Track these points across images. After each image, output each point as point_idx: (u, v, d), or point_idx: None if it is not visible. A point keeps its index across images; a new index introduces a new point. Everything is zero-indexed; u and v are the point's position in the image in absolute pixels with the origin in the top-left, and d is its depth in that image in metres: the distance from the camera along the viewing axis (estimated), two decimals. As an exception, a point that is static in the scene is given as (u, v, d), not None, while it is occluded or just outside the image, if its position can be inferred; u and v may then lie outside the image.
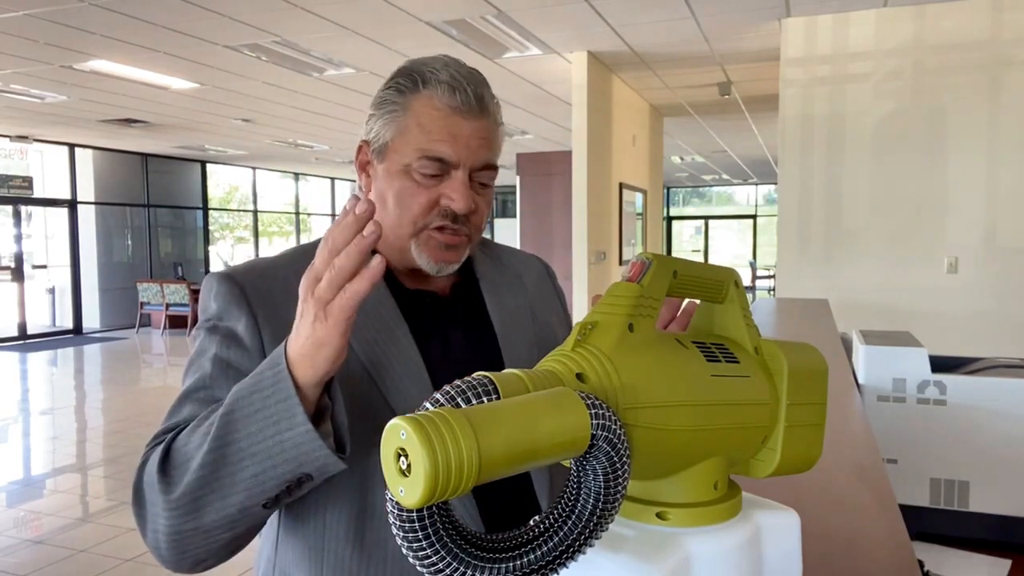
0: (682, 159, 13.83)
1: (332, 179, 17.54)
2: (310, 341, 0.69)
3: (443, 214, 0.90)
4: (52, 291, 12.45)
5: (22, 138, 10.61)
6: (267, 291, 0.89)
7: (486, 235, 1.07)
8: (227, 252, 17.22)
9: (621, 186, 7.30)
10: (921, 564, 0.92)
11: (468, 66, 0.93)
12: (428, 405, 0.42)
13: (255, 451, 0.72)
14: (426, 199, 0.89)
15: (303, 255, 0.94)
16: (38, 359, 9.95)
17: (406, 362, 0.90)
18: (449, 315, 0.99)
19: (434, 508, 0.41)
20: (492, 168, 0.92)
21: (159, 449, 0.78)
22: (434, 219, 0.90)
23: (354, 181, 14.91)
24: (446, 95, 0.88)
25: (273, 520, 0.93)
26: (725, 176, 17.46)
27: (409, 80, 0.90)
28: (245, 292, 0.88)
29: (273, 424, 0.71)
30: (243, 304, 0.88)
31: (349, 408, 0.81)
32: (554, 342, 1.05)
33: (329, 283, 0.67)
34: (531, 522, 0.45)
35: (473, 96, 0.89)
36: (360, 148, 0.95)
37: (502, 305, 1.02)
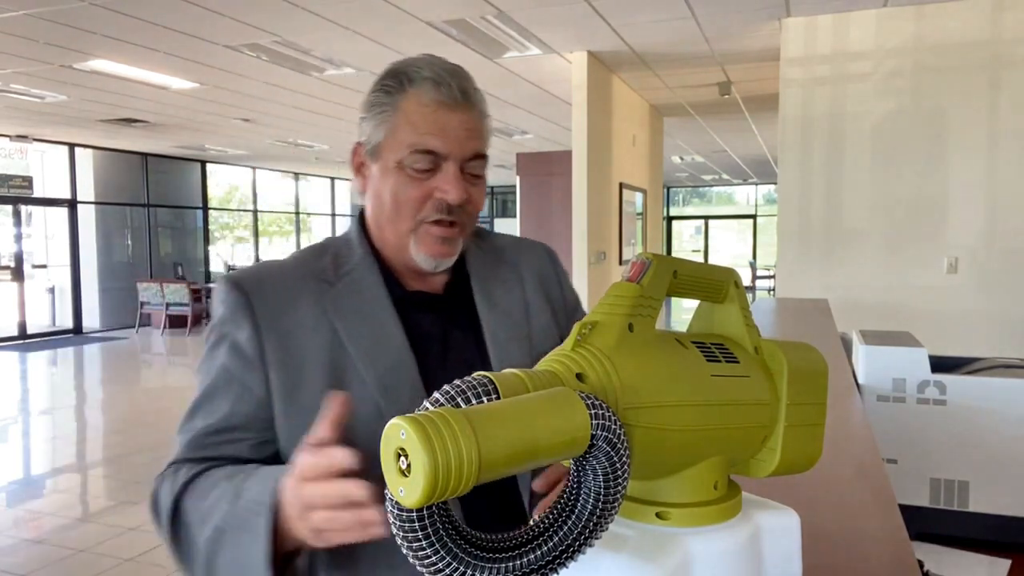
0: (682, 159, 13.83)
1: (332, 179, 17.53)
2: (303, 535, 0.75)
3: (438, 207, 0.92)
4: (52, 291, 12.44)
5: (22, 138, 10.61)
6: (272, 299, 0.92)
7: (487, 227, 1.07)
8: (227, 252, 17.21)
9: (621, 186, 7.30)
10: (921, 564, 0.92)
11: (450, 62, 0.95)
12: (428, 405, 0.42)
13: (230, 572, 0.81)
14: (420, 193, 0.91)
15: (312, 257, 0.98)
16: (38, 359, 9.95)
17: (400, 368, 0.92)
18: (446, 315, 0.99)
19: (434, 508, 0.41)
20: (482, 157, 0.94)
21: (170, 499, 0.86)
22: (430, 213, 0.92)
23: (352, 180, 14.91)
24: (431, 91, 0.90)
25: None
26: (725, 176, 17.46)
27: (395, 81, 0.92)
28: (251, 302, 0.91)
29: (244, 563, 0.78)
30: (247, 314, 0.90)
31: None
32: (550, 337, 1.04)
33: (328, 522, 0.72)
34: (531, 522, 0.45)
35: (457, 89, 0.91)
36: (354, 150, 0.97)
37: (492, 304, 1.01)
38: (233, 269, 15.72)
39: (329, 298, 0.93)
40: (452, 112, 0.91)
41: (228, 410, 0.89)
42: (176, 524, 0.85)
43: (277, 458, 0.91)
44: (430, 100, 0.90)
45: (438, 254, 0.94)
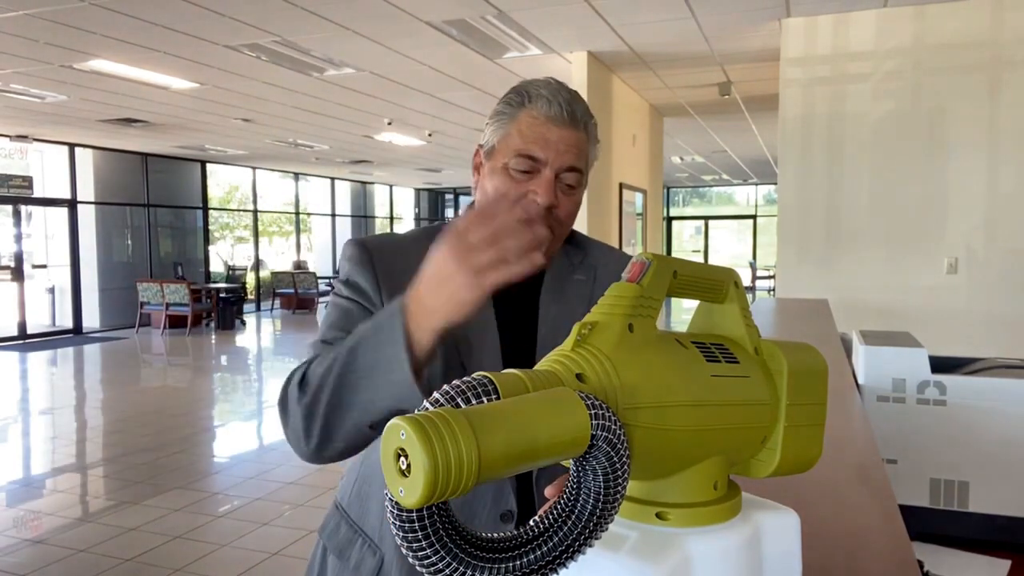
0: (682, 159, 13.83)
1: (332, 179, 17.52)
2: (450, 299, 0.82)
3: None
4: (52, 291, 12.44)
5: (22, 138, 10.61)
6: (391, 262, 1.06)
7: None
8: (227, 252, 17.20)
9: (621, 186, 7.30)
10: (921, 564, 0.92)
11: (569, 87, 1.08)
12: (428, 405, 0.42)
13: (368, 383, 0.88)
14: (516, 193, 1.04)
15: (426, 237, 1.08)
16: (38, 359, 9.95)
17: (485, 339, 1.06)
18: (512, 302, 1.11)
19: (434, 508, 0.41)
20: (576, 171, 1.06)
21: (301, 370, 0.96)
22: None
23: (352, 181, 14.84)
24: (544, 108, 1.04)
25: None
26: (725, 176, 17.46)
27: (518, 96, 1.06)
28: (372, 258, 1.07)
29: (384, 363, 0.86)
30: (369, 267, 1.06)
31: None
32: None
33: (491, 260, 0.80)
34: (531, 522, 0.45)
35: (565, 110, 1.04)
36: (476, 152, 1.11)
37: (555, 298, 1.12)
38: (233, 269, 15.73)
39: None
40: (557, 127, 1.03)
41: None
42: (304, 384, 0.94)
43: None
44: (541, 115, 1.04)
45: None
